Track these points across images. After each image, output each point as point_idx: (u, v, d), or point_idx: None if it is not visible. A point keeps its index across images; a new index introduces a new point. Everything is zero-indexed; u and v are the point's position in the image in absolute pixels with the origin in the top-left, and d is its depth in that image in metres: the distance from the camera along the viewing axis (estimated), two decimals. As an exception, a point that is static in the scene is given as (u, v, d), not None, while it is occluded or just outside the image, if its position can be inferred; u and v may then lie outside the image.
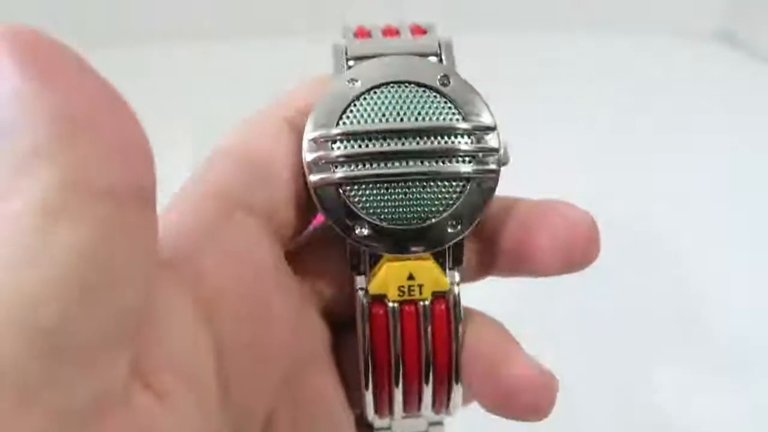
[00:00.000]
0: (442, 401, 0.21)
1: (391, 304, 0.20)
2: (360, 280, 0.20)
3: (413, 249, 0.19)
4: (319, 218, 0.21)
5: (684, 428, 0.40)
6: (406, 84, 0.19)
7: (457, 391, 0.20)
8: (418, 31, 0.21)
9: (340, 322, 0.21)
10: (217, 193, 0.19)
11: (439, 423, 0.22)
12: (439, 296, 0.20)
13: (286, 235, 0.20)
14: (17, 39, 0.14)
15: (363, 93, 0.19)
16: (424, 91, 0.19)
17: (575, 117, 0.62)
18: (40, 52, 0.14)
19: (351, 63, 0.20)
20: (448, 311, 0.20)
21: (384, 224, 0.19)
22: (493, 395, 0.20)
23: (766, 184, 0.56)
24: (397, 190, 0.19)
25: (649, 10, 0.76)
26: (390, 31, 0.21)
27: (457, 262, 0.20)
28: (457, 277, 0.20)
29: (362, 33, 0.21)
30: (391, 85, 0.19)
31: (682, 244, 0.50)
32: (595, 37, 0.71)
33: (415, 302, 0.20)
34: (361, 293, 0.20)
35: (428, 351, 0.20)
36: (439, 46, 0.20)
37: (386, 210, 0.19)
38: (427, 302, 0.20)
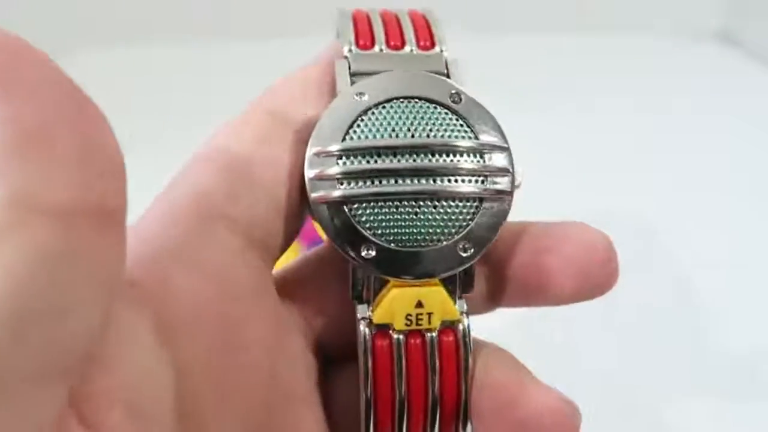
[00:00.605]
0: None
1: (396, 336, 0.18)
2: (362, 309, 0.18)
3: (424, 273, 0.18)
4: (308, 236, 0.19)
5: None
6: (417, 99, 0.18)
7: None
8: (422, 30, 0.20)
9: (330, 355, 0.20)
10: (193, 202, 0.17)
11: None
12: (446, 327, 0.18)
13: (271, 250, 0.18)
14: None
15: (371, 107, 0.18)
16: (435, 107, 0.18)
17: (574, 117, 0.62)
18: None
19: (354, 79, 0.19)
20: (457, 343, 0.18)
21: (392, 246, 0.18)
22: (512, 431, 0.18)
23: (766, 184, 0.56)
24: (407, 210, 0.18)
25: (650, 10, 0.76)
26: (394, 35, 0.20)
27: (466, 290, 0.19)
28: (465, 306, 0.19)
29: (363, 28, 0.20)
30: (401, 100, 0.18)
31: (682, 244, 0.50)
32: (595, 37, 0.71)
33: (421, 334, 0.18)
34: (363, 323, 0.18)
35: (435, 389, 0.18)
36: (446, 65, 0.19)
37: (395, 231, 0.18)
38: (434, 333, 0.18)
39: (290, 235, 0.19)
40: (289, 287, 0.19)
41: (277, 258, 0.19)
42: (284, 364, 0.18)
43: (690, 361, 0.43)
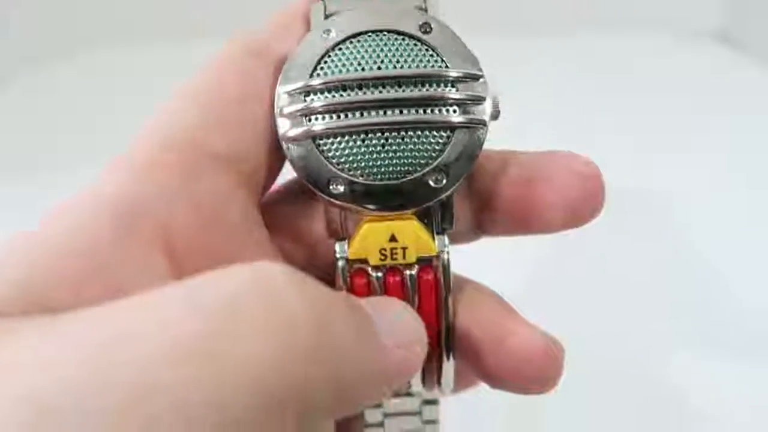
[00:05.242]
0: (432, 379, 0.19)
1: (374, 274, 0.18)
2: (339, 247, 0.18)
3: (393, 206, 0.18)
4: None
5: (695, 404, 0.39)
6: (384, 33, 0.18)
7: (449, 368, 0.19)
8: None
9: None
10: (183, 140, 0.17)
11: (434, 402, 0.21)
12: (425, 265, 0.18)
13: (258, 184, 0.18)
14: None
15: (338, 43, 0.18)
16: (404, 39, 0.18)
17: (574, 117, 0.62)
18: None
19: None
20: (436, 281, 0.18)
21: (360, 179, 0.18)
22: (498, 368, 0.18)
23: (765, 184, 0.56)
24: (374, 142, 0.17)
25: (649, 10, 0.76)
26: None
27: (446, 225, 0.18)
28: (446, 242, 0.18)
29: None
30: (368, 34, 0.18)
31: (679, 244, 0.50)
32: (595, 37, 0.71)
33: (400, 272, 0.18)
34: (341, 261, 0.18)
35: None
36: (425, 2, 0.19)
37: (362, 164, 0.17)
38: (413, 272, 0.18)
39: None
40: (269, 220, 0.19)
41: (264, 192, 0.19)
42: None
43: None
